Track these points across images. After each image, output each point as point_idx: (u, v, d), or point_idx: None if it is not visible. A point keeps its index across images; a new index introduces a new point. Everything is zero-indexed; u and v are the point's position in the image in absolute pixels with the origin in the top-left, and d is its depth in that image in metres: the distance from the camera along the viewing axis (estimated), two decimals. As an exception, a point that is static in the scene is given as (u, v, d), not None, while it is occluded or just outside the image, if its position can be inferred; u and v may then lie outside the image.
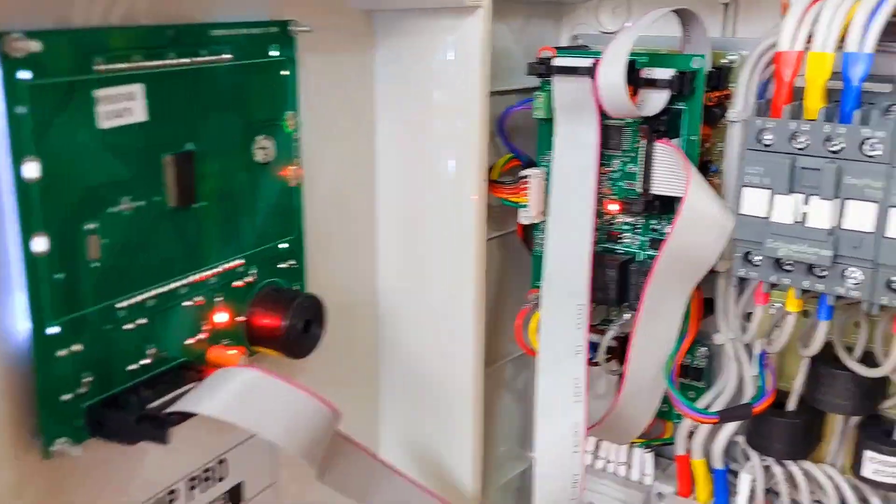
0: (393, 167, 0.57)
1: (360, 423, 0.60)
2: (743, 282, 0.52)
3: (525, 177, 0.57)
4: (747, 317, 0.54)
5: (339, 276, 0.55)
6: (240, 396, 0.39)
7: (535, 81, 0.59)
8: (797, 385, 0.53)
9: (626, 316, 0.56)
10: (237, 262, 0.45)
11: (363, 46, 0.55)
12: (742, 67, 0.53)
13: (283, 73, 0.47)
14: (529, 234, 0.61)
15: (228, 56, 0.43)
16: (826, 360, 0.50)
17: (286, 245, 0.48)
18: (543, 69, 0.54)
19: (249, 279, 0.46)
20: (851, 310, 0.50)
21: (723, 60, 0.54)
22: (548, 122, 0.57)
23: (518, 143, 0.61)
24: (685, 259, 0.48)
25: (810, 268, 0.44)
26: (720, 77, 0.53)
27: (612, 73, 0.48)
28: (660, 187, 0.51)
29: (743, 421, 0.54)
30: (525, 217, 0.58)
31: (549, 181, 0.56)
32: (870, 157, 0.42)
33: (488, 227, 0.57)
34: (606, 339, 0.55)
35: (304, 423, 0.39)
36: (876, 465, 0.50)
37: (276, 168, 0.47)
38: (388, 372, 0.61)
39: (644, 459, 0.61)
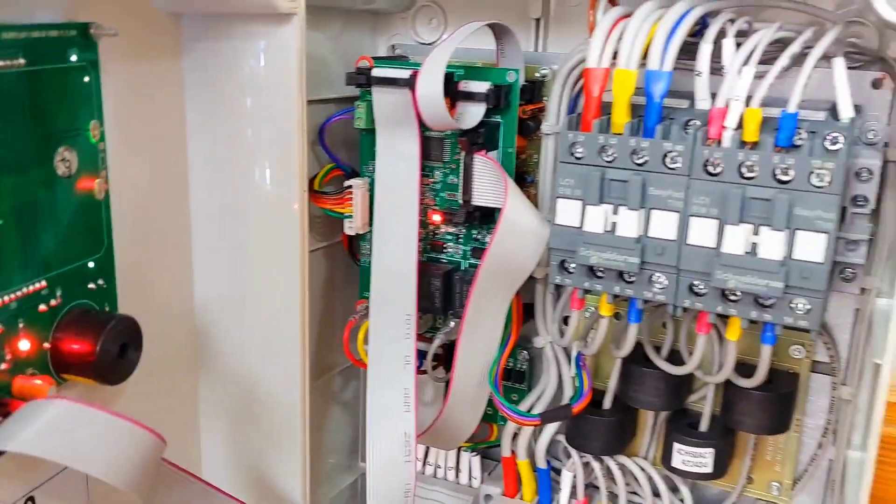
0: (208, 178, 0.55)
1: (181, 445, 0.57)
2: (560, 288, 0.54)
3: (349, 187, 0.57)
4: (565, 320, 0.57)
5: (154, 294, 0.52)
6: (54, 430, 0.36)
7: (355, 91, 0.59)
8: (612, 384, 0.56)
9: (452, 324, 0.56)
10: (39, 284, 0.42)
11: (170, 52, 0.52)
12: (554, 81, 0.55)
13: (84, 79, 0.44)
14: (356, 244, 0.61)
15: (21, 61, 0.40)
16: (637, 359, 0.53)
17: (94, 264, 0.45)
18: (363, 79, 0.53)
19: (54, 302, 0.42)
20: (658, 312, 0.53)
21: (536, 74, 0.56)
22: (370, 133, 0.57)
23: (340, 152, 0.60)
24: (505, 268, 0.50)
25: (620, 274, 0.47)
26: (534, 91, 0.55)
27: (430, 85, 0.48)
28: (480, 199, 0.52)
29: (563, 421, 0.56)
30: (350, 228, 0.57)
31: (372, 192, 0.56)
32: (671, 169, 0.44)
33: (313, 237, 0.56)
34: (433, 348, 0.56)
35: (128, 453, 0.37)
36: (683, 455, 0.53)
37: (79, 181, 0.44)
38: (210, 390, 0.59)
39: (472, 463, 0.63)
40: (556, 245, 0.47)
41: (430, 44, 0.63)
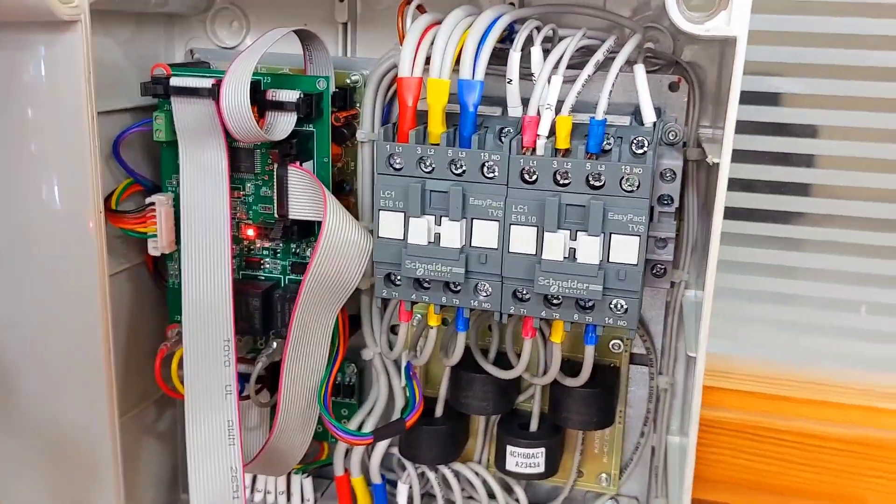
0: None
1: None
2: (386, 300, 0.53)
3: (151, 204, 0.53)
4: (392, 330, 0.56)
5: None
6: None
7: (153, 100, 0.55)
8: (442, 392, 0.55)
9: (275, 344, 0.54)
10: None
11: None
12: (366, 88, 0.53)
13: None
14: (162, 265, 0.57)
15: None
16: (465, 365, 0.52)
17: None
18: (160, 89, 0.49)
19: None
20: (483, 316, 0.53)
21: (347, 80, 0.54)
22: (171, 145, 0.53)
23: (139, 167, 0.56)
24: (329, 283, 0.48)
25: (447, 284, 0.46)
26: (346, 97, 0.54)
27: (235, 96, 0.46)
28: (296, 212, 0.50)
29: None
30: (154, 248, 0.53)
31: (177, 208, 0.52)
32: (489, 178, 0.44)
33: (113, 260, 0.51)
34: (256, 371, 0.53)
35: None
36: (517, 458, 0.54)
37: None
38: (7, 435, 0.53)
39: (304, 485, 0.60)
40: (380, 258, 0.46)
41: (231, 48, 0.59)
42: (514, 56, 0.45)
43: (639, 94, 0.45)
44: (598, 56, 0.44)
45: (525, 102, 0.46)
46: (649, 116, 0.45)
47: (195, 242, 0.50)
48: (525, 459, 0.54)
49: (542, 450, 0.54)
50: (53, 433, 0.52)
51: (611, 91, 0.44)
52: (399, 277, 0.47)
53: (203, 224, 0.50)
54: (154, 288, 0.59)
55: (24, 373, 0.51)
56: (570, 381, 0.50)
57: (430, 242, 0.45)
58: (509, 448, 0.54)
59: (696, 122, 0.52)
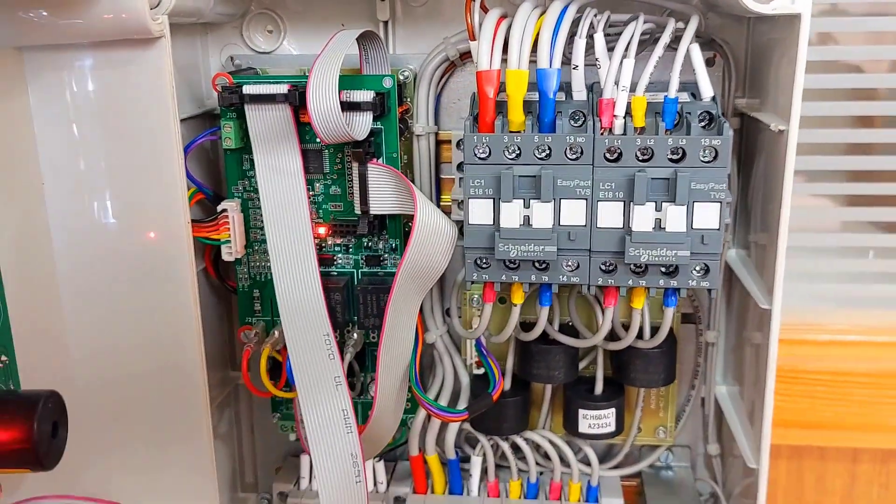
0: (70, 225, 0.50)
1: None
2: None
3: (223, 211, 0.54)
4: (447, 312, 0.59)
5: (47, 361, 0.47)
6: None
7: (197, 109, 0.56)
8: (509, 365, 0.58)
9: (355, 335, 0.56)
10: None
11: (14, 87, 0.46)
12: (419, 83, 0.56)
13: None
14: (228, 270, 0.58)
15: None
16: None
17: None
18: (235, 98, 0.51)
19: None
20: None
21: (400, 77, 0.56)
22: (235, 152, 0.55)
23: (198, 175, 0.57)
24: (420, 272, 0.50)
25: (534, 263, 0.49)
26: (399, 94, 0.56)
27: (324, 99, 0.47)
28: (378, 207, 0.52)
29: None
30: (228, 254, 0.54)
31: (246, 213, 0.54)
32: (572, 159, 0.47)
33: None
34: (346, 364, 0.55)
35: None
36: (589, 420, 0.57)
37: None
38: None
39: (376, 468, 0.62)
40: (471, 244, 0.49)
41: (268, 52, 0.60)
42: (580, 43, 0.48)
43: (696, 71, 0.49)
44: (666, 38, 0.48)
45: (588, 87, 0.49)
46: (707, 91, 0.49)
47: (280, 244, 0.51)
48: (597, 420, 0.57)
49: (613, 410, 0.58)
50: (152, 422, 0.54)
51: (678, 70, 0.47)
52: (486, 261, 0.49)
53: (286, 225, 0.51)
54: (212, 295, 0.60)
55: (124, 367, 0.53)
56: (645, 343, 0.54)
57: (520, 225, 0.48)
58: (581, 412, 0.57)
59: (732, 95, 0.56)
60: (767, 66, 0.53)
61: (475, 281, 0.50)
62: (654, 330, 0.55)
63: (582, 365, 0.59)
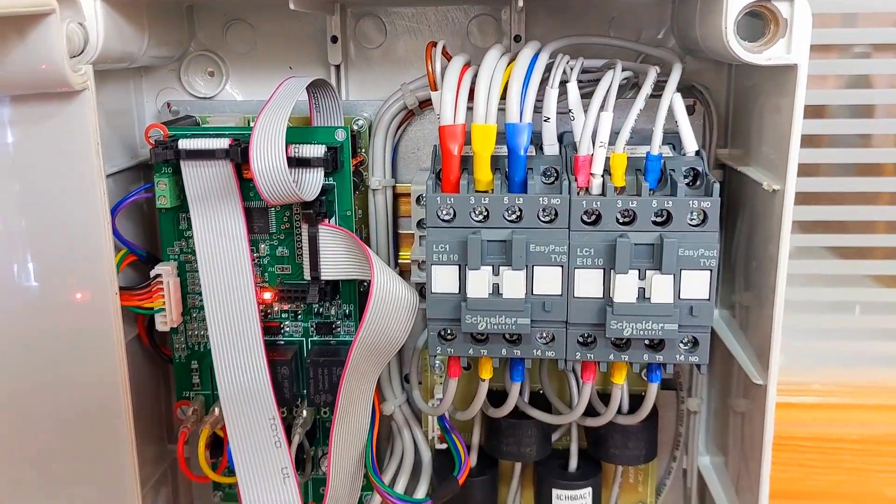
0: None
1: None
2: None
3: (157, 276, 0.48)
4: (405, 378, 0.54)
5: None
6: None
7: (129, 162, 0.51)
8: (475, 440, 0.53)
9: (305, 413, 0.50)
10: None
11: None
12: (375, 133, 0.51)
13: None
14: (164, 337, 0.52)
15: None
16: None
17: None
18: (171, 153, 0.45)
19: None
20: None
21: (353, 126, 0.51)
22: (170, 211, 0.49)
23: (129, 235, 0.51)
24: (378, 346, 0.45)
25: (504, 336, 0.44)
26: (353, 144, 0.51)
27: (270, 157, 0.42)
28: (329, 272, 0.47)
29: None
30: (163, 323, 0.49)
31: (183, 277, 0.48)
32: (546, 222, 0.43)
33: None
34: (294, 447, 0.49)
35: None
36: (563, 501, 0.52)
37: None
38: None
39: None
40: (435, 315, 0.44)
41: (208, 98, 0.55)
42: (552, 93, 0.44)
43: (679, 124, 0.45)
44: (647, 89, 0.44)
45: (558, 136, 0.45)
46: (692, 145, 0.45)
47: (220, 313, 0.46)
48: (572, 501, 0.53)
49: (589, 489, 0.53)
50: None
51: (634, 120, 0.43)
52: (451, 333, 0.44)
53: (227, 291, 0.46)
54: (147, 364, 0.54)
55: (44, 442, 0.47)
56: (625, 419, 0.49)
57: (489, 294, 0.43)
58: (555, 492, 0.53)
59: (714, 145, 0.52)
60: (752, 113, 0.49)
61: (439, 354, 0.45)
62: (633, 398, 0.51)
63: (555, 437, 0.54)
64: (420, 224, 0.50)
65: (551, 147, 0.45)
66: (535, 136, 0.45)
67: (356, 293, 0.51)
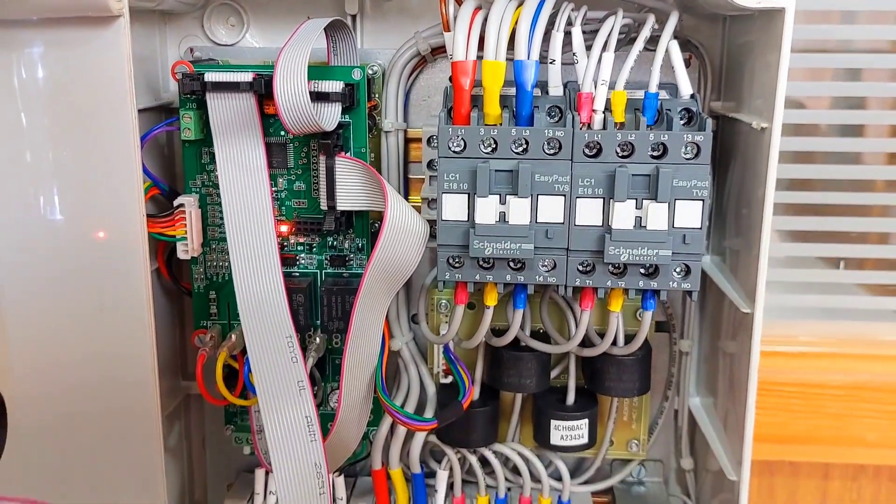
0: (14, 222, 0.47)
1: None
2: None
3: (180, 206, 0.51)
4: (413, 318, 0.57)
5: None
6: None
7: (153, 101, 0.54)
8: (478, 373, 0.56)
9: (318, 340, 0.53)
10: None
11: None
12: (388, 79, 0.54)
13: None
14: (182, 272, 0.55)
15: None
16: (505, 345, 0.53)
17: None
18: (197, 85, 0.48)
19: None
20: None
21: (368, 71, 0.54)
22: (194, 144, 0.52)
23: (153, 169, 0.54)
24: (390, 271, 0.48)
25: (509, 262, 0.47)
26: (368, 89, 0.54)
27: (293, 86, 0.45)
28: (345, 203, 0.50)
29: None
30: (185, 251, 0.51)
31: (204, 209, 0.51)
32: (550, 154, 0.45)
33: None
34: (308, 369, 0.52)
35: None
36: (562, 431, 0.55)
37: None
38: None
39: (335, 483, 0.59)
40: (444, 241, 0.46)
41: (230, 45, 0.58)
42: (557, 36, 0.47)
43: (675, 68, 0.48)
44: (646, 32, 0.46)
45: (563, 85, 0.48)
46: (687, 89, 0.48)
47: (241, 242, 0.49)
48: (569, 432, 0.55)
49: (586, 420, 0.55)
50: (97, 433, 0.51)
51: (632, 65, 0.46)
52: (459, 259, 0.47)
53: (248, 222, 0.49)
54: (164, 299, 0.57)
55: (69, 372, 0.49)
56: (621, 350, 0.52)
57: (496, 221, 0.46)
58: (553, 423, 0.55)
59: (708, 97, 0.55)
60: (744, 68, 0.52)
61: (447, 281, 0.47)
62: (629, 339, 0.54)
63: (553, 374, 0.57)
64: (431, 164, 0.53)
65: (556, 89, 0.48)
66: (540, 84, 0.48)
67: (369, 229, 0.53)
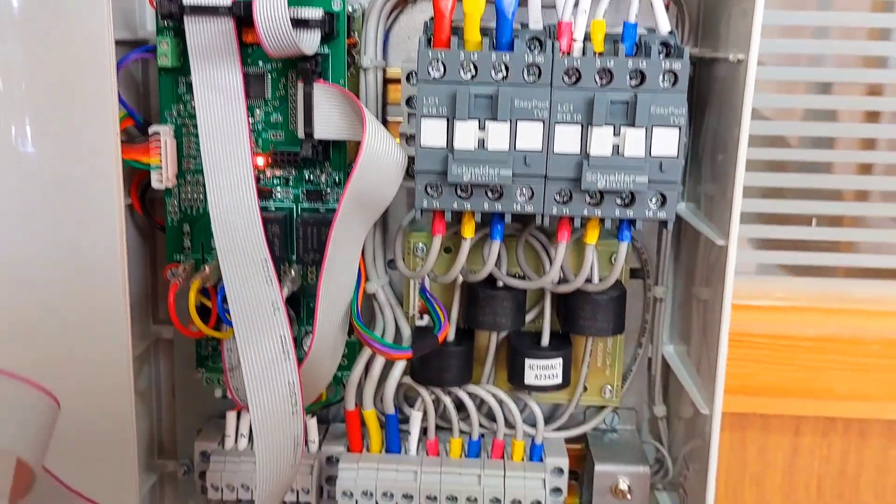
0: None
1: None
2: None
3: (155, 134, 0.50)
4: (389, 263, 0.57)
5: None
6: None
7: (125, 35, 0.53)
8: (454, 315, 0.56)
9: (292, 272, 0.53)
10: None
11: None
12: (368, 16, 0.54)
13: None
14: (156, 208, 0.54)
15: None
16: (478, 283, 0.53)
17: None
18: (175, 7, 0.48)
19: None
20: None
21: (348, 9, 0.54)
22: (171, 72, 0.52)
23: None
24: (366, 201, 0.48)
25: (486, 191, 0.47)
26: (347, 27, 0.53)
27: (274, 10, 0.45)
28: (323, 131, 0.49)
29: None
30: (158, 180, 0.51)
31: (179, 139, 0.51)
32: (529, 81, 0.46)
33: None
34: (284, 297, 0.51)
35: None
36: (535, 370, 0.55)
37: None
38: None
39: (308, 425, 0.59)
40: (423, 167, 0.46)
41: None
42: (539, -31, 0.47)
43: (653, 5, 0.48)
44: (626, -36, 0.47)
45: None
46: (665, 26, 0.48)
47: (217, 167, 0.48)
48: (544, 371, 0.55)
49: (560, 360, 0.55)
50: (65, 376, 0.49)
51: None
52: (438, 187, 0.47)
53: (224, 148, 0.48)
54: (136, 237, 0.56)
55: (37, 311, 0.49)
56: (595, 287, 0.52)
57: (475, 147, 0.46)
58: (528, 361, 0.55)
59: (685, 43, 0.55)
60: (721, 15, 0.52)
61: (425, 209, 0.47)
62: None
63: (529, 317, 0.57)
64: (409, 102, 0.53)
65: (536, 24, 0.48)
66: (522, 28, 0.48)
67: (345, 161, 0.53)
